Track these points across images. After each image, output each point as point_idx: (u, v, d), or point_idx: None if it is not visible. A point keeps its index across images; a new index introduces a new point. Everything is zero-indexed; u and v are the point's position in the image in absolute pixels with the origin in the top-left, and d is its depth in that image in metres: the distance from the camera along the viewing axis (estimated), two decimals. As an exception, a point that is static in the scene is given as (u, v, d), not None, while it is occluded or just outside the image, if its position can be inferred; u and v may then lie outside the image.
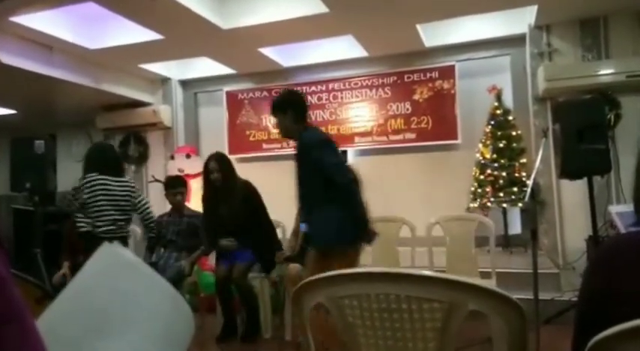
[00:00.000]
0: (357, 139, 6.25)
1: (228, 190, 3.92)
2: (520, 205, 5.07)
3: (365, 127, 6.20)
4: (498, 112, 5.33)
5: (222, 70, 6.45)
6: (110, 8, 4.34)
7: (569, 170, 3.74)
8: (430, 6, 4.58)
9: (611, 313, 0.82)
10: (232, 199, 3.90)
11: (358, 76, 6.25)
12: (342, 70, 6.26)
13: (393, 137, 6.08)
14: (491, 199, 5.13)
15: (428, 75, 5.96)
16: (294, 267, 3.58)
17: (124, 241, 3.66)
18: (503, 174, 5.12)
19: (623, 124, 4.83)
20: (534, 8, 4.88)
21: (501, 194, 5.10)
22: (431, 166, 5.94)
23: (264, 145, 6.58)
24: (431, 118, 5.92)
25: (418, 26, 5.18)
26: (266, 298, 4.01)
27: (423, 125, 5.96)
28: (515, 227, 5.42)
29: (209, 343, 3.86)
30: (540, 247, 4.75)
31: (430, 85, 5.95)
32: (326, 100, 6.40)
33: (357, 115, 6.25)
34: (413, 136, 5.99)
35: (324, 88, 6.40)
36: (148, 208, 3.97)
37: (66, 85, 5.59)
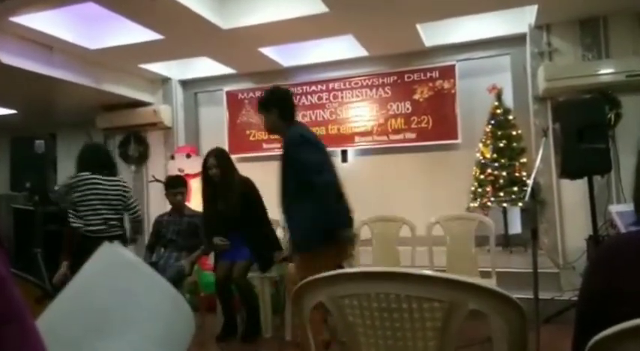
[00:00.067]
0: (357, 138, 6.25)
1: (226, 186, 3.91)
2: (520, 204, 5.07)
3: (365, 126, 6.20)
4: (498, 111, 5.33)
5: (222, 70, 6.45)
6: (110, 8, 4.34)
7: (569, 170, 3.74)
8: (430, 6, 4.58)
9: (611, 313, 0.82)
10: (231, 195, 3.88)
11: (358, 76, 6.25)
12: (342, 69, 6.27)
13: (393, 137, 6.08)
14: (492, 199, 5.13)
15: (428, 75, 5.97)
16: (294, 266, 3.58)
17: (116, 239, 3.64)
18: (504, 173, 5.12)
19: (623, 124, 4.83)
20: (534, 8, 4.88)
21: (501, 194, 5.10)
22: (431, 166, 5.94)
23: (265, 145, 6.58)
24: (431, 117, 5.92)
25: (418, 26, 5.18)
26: (266, 297, 4.01)
27: (423, 125, 5.96)
28: (516, 227, 5.42)
29: (209, 343, 3.86)
30: (540, 246, 4.74)
31: (430, 84, 5.95)
32: (326, 99, 6.40)
33: (358, 114, 6.25)
34: (413, 135, 5.99)
35: (324, 87, 6.40)
36: (136, 207, 3.96)
37: (66, 85, 5.59)
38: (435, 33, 5.55)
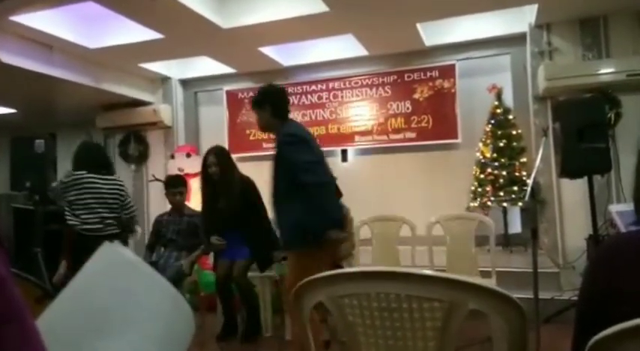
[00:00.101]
0: (357, 138, 6.25)
1: (226, 184, 3.89)
2: (520, 204, 5.07)
3: (365, 126, 6.21)
4: (498, 111, 5.33)
5: (222, 69, 6.46)
6: (110, 7, 4.34)
7: (569, 169, 3.74)
8: (430, 5, 4.58)
9: (611, 313, 0.82)
10: (231, 193, 3.87)
11: (358, 75, 6.25)
12: (342, 69, 6.27)
13: (393, 136, 6.08)
14: (492, 199, 5.13)
15: (428, 74, 5.97)
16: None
17: (113, 238, 3.63)
18: (504, 173, 5.13)
19: (623, 123, 4.83)
20: (534, 7, 4.88)
21: (501, 193, 5.10)
22: (431, 165, 5.94)
23: (265, 145, 6.57)
24: (431, 117, 5.92)
25: (418, 25, 5.18)
26: (267, 297, 4.01)
27: (423, 124, 5.96)
28: (516, 226, 5.42)
29: (209, 343, 3.86)
30: (540, 246, 4.74)
31: (430, 84, 5.95)
32: (326, 99, 6.40)
33: (358, 114, 6.25)
34: (413, 135, 5.99)
35: (324, 87, 6.40)
36: (132, 207, 3.94)
37: (66, 85, 5.59)
38: (435, 32, 5.55)
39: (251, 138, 6.70)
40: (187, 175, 5.69)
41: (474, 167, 5.36)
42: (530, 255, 3.21)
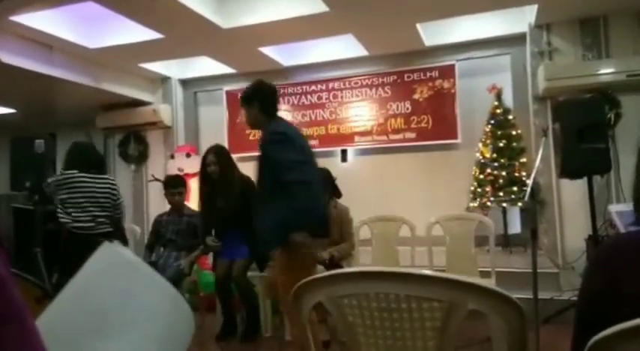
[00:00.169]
0: (357, 138, 6.25)
1: (225, 184, 3.89)
2: (520, 204, 5.07)
3: (365, 126, 6.20)
4: (498, 111, 5.33)
5: (222, 69, 6.45)
6: (110, 7, 4.34)
7: (569, 169, 3.74)
8: (430, 5, 4.58)
9: (610, 313, 0.82)
10: (230, 193, 3.87)
11: (358, 76, 6.25)
12: (342, 69, 6.26)
13: (393, 136, 6.08)
14: (491, 199, 5.13)
15: (428, 74, 5.96)
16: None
17: (105, 236, 3.64)
18: (503, 173, 5.12)
19: (623, 124, 4.83)
20: (534, 7, 4.88)
21: (501, 194, 5.10)
22: (431, 166, 5.94)
23: (264, 145, 6.57)
24: (431, 117, 5.92)
25: (418, 25, 5.18)
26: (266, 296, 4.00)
27: (423, 124, 5.96)
28: (515, 227, 5.42)
29: (209, 343, 3.86)
30: (540, 246, 4.74)
31: (430, 84, 5.95)
32: (326, 99, 6.40)
33: (357, 114, 6.25)
34: (413, 135, 5.99)
35: (324, 87, 6.40)
36: (121, 206, 3.94)
37: (66, 85, 5.59)
38: (435, 32, 5.55)
39: (251, 138, 6.68)
40: (187, 175, 5.70)
41: (474, 167, 5.36)
42: (529, 255, 3.21)
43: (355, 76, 6.26)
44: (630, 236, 0.93)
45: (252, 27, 4.87)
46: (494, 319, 1.03)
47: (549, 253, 4.99)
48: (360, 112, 6.24)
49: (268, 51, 5.83)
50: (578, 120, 3.60)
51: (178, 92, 6.95)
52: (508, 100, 5.51)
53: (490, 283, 3.40)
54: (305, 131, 6.41)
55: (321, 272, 1.31)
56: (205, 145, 6.82)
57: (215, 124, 6.88)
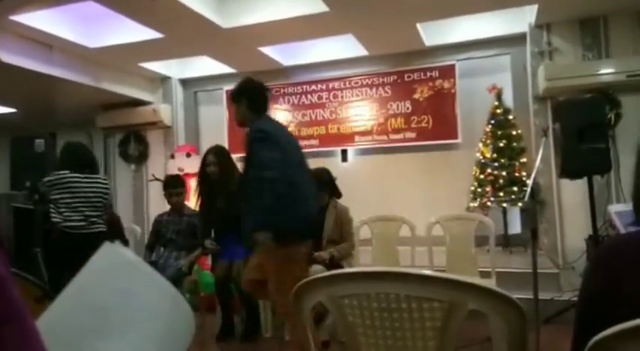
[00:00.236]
0: (357, 138, 6.25)
1: (225, 184, 3.88)
2: (520, 204, 5.07)
3: (365, 126, 6.20)
4: (498, 111, 5.33)
5: (222, 69, 6.45)
6: (110, 7, 4.34)
7: (569, 170, 3.74)
8: (430, 5, 4.58)
9: (611, 313, 0.82)
10: (230, 193, 3.87)
11: (358, 75, 6.25)
12: (342, 69, 6.27)
13: (393, 136, 6.08)
14: (491, 199, 5.13)
15: (428, 74, 5.97)
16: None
17: (100, 236, 3.65)
18: (504, 173, 5.12)
19: (623, 124, 4.83)
20: (534, 7, 4.88)
21: (501, 194, 5.10)
22: (431, 166, 5.94)
23: (264, 144, 6.57)
24: (431, 117, 5.92)
25: (418, 25, 5.18)
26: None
27: (423, 124, 5.96)
28: (515, 227, 5.42)
29: (209, 343, 3.86)
30: (540, 246, 4.75)
31: (430, 84, 5.95)
32: (326, 99, 6.40)
33: (358, 114, 6.25)
34: (413, 135, 5.99)
35: (324, 87, 6.40)
36: (108, 207, 3.97)
37: (66, 84, 5.59)
38: (435, 32, 5.55)
39: (251, 138, 6.69)
40: (187, 175, 5.70)
41: (474, 167, 5.36)
42: (529, 255, 3.21)
43: (355, 76, 6.26)
44: (630, 236, 0.93)
45: (252, 27, 4.87)
46: (494, 319, 1.03)
47: (549, 253, 4.99)
48: (361, 112, 6.24)
49: (268, 51, 5.83)
50: (578, 120, 3.60)
51: (178, 92, 6.95)
52: (508, 100, 5.51)
53: (490, 283, 3.40)
54: (305, 131, 6.42)
55: (322, 272, 1.31)
56: (205, 144, 6.83)
57: (215, 124, 6.88)
